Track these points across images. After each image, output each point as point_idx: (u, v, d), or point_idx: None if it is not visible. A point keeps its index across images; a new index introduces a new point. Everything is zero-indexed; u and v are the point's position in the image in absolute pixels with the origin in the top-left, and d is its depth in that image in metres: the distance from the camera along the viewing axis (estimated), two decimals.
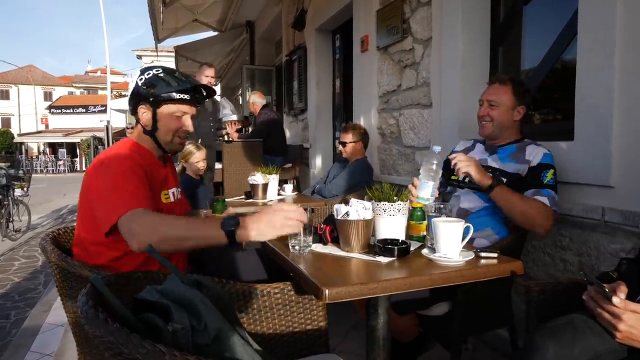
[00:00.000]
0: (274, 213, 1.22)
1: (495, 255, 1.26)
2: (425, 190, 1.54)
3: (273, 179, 2.67)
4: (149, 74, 1.47)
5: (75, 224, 1.47)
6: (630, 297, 0.97)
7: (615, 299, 0.91)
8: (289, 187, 2.89)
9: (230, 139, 4.69)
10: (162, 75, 1.46)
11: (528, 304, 1.25)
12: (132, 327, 0.79)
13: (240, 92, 9.65)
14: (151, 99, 1.45)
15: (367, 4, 3.49)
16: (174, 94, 1.44)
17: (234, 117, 6.33)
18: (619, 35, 1.58)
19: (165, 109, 1.48)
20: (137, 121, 1.53)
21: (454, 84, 2.52)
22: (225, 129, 5.20)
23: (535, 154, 1.71)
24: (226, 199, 2.27)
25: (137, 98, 1.48)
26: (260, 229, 1.22)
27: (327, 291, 1.02)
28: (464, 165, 1.61)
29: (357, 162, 3.11)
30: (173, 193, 1.57)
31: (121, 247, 1.31)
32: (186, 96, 1.47)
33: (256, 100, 4.82)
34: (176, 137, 1.52)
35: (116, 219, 1.24)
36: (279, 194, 2.78)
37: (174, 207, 1.53)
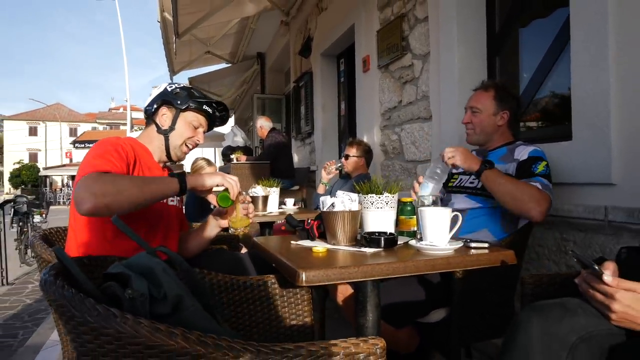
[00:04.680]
0: (215, 172, 1.46)
1: (486, 245, 1.21)
2: (425, 190, 1.53)
3: (274, 192, 2.65)
4: (179, 84, 1.62)
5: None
6: None
7: (606, 277, 0.85)
8: (290, 201, 2.88)
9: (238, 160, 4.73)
10: (192, 89, 1.61)
11: (523, 297, 1.18)
12: (95, 297, 0.76)
13: (252, 123, 9.84)
14: (177, 102, 1.54)
15: (367, 25, 3.56)
16: (200, 104, 1.56)
17: (241, 143, 6.46)
18: (612, 28, 1.56)
19: (186, 115, 1.58)
20: (151, 122, 1.59)
21: (452, 96, 2.52)
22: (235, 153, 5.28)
23: (523, 152, 1.66)
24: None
25: (162, 100, 1.56)
26: (204, 177, 1.41)
27: (304, 274, 0.99)
28: (450, 156, 1.58)
29: (359, 176, 3.09)
30: None
31: (107, 236, 1.32)
32: (209, 109, 1.59)
33: (263, 124, 4.88)
34: (185, 145, 1.60)
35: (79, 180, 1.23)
36: (280, 208, 2.76)
37: (162, 207, 1.52)
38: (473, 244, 1.20)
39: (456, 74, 2.48)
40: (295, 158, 5.92)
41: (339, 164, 3.12)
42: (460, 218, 1.22)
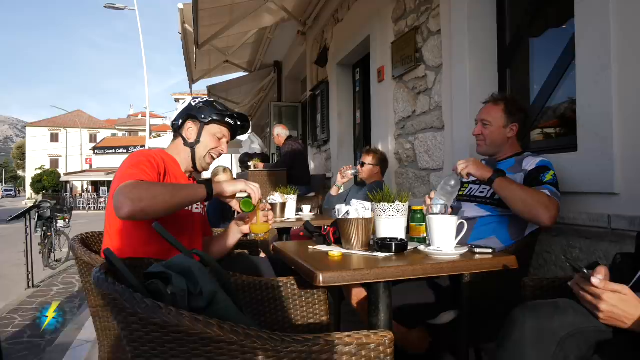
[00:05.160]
0: (239, 180, 1.56)
1: (489, 251, 1.30)
2: (436, 207, 1.57)
3: (291, 199, 2.77)
4: (202, 98, 1.75)
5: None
6: None
7: (594, 280, 0.94)
8: (307, 208, 2.99)
9: (256, 168, 4.88)
10: (214, 102, 1.75)
11: (524, 300, 1.26)
12: (141, 292, 0.88)
13: (269, 130, 10.02)
14: (202, 116, 1.67)
15: (382, 37, 3.67)
16: (223, 116, 1.68)
17: (258, 150, 6.62)
18: (614, 43, 1.64)
19: (210, 128, 1.70)
20: (178, 136, 1.72)
21: (463, 106, 2.60)
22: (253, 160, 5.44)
23: (531, 163, 1.74)
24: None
25: (187, 115, 1.70)
26: (228, 184, 1.53)
27: (321, 275, 1.10)
28: (463, 167, 1.66)
29: (374, 183, 3.18)
30: None
31: (139, 240, 1.44)
32: (231, 121, 1.71)
33: (280, 132, 5.02)
34: (209, 155, 1.72)
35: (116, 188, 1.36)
36: (297, 214, 2.87)
37: (187, 215, 1.65)
38: (477, 250, 1.29)
39: (468, 86, 2.56)
40: (312, 165, 6.04)
41: (355, 170, 3.23)
42: (466, 225, 1.31)
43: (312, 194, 5.02)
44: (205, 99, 1.75)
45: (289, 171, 4.91)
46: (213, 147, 1.70)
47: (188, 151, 1.69)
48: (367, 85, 4.50)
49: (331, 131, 5.21)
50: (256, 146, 7.22)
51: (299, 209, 3.00)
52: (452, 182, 1.68)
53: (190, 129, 1.69)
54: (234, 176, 4.97)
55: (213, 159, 1.76)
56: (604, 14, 1.67)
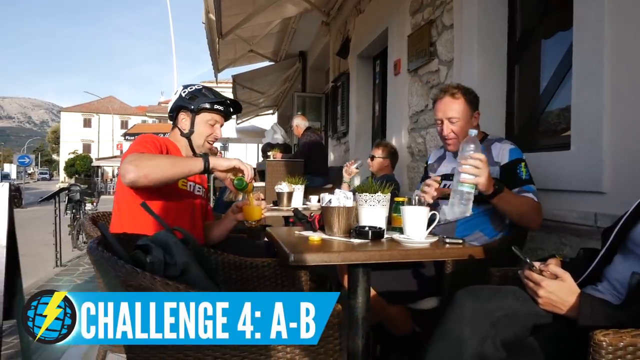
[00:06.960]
0: (234, 158, 1.62)
1: (460, 241, 1.36)
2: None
3: (298, 189, 2.87)
4: (191, 87, 1.83)
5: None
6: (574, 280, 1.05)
7: (535, 269, 1.01)
8: (314, 198, 3.08)
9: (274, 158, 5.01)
10: (203, 90, 1.82)
11: None
12: (125, 260, 1.01)
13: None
14: (192, 107, 1.77)
15: (400, 30, 3.70)
16: (212, 104, 1.77)
17: (280, 141, 6.76)
18: (607, 52, 1.66)
19: (202, 116, 1.80)
20: (175, 126, 1.84)
21: None
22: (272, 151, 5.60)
23: (502, 153, 1.73)
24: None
25: (179, 106, 1.80)
26: (224, 159, 1.62)
27: (292, 256, 1.19)
28: (476, 172, 1.46)
29: (383, 176, 3.23)
30: (191, 185, 1.83)
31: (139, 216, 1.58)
32: (221, 107, 1.80)
33: (299, 123, 5.13)
34: (207, 141, 1.83)
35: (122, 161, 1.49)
36: (304, 204, 2.97)
37: (187, 194, 1.77)
38: (448, 240, 1.36)
39: (475, 81, 2.57)
40: (331, 157, 6.12)
41: (359, 163, 3.29)
42: (438, 216, 1.38)
43: (329, 185, 5.11)
44: (194, 88, 1.83)
45: (306, 162, 5.01)
46: (208, 134, 1.80)
47: (185, 140, 1.81)
48: (386, 78, 4.53)
49: (350, 123, 5.27)
50: (278, 136, 7.35)
51: (307, 199, 3.09)
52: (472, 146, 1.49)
53: (184, 120, 1.80)
54: (254, 165, 5.12)
55: (210, 144, 1.86)
56: (599, 25, 1.69)
